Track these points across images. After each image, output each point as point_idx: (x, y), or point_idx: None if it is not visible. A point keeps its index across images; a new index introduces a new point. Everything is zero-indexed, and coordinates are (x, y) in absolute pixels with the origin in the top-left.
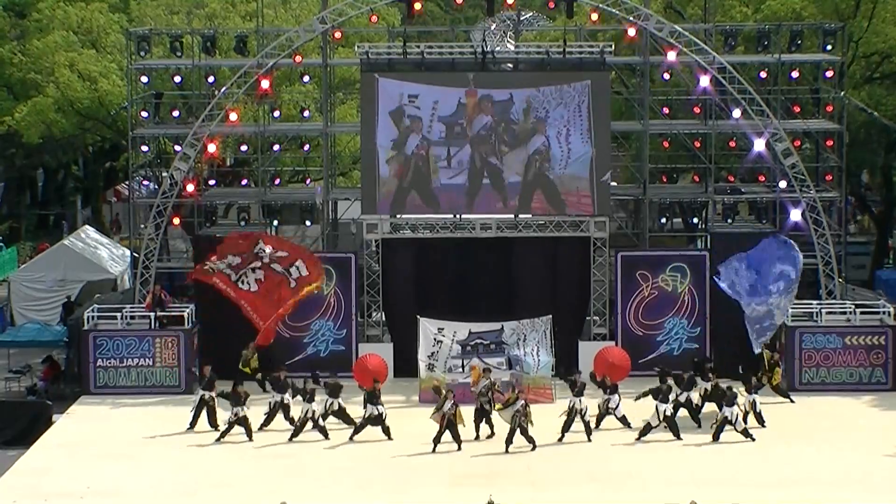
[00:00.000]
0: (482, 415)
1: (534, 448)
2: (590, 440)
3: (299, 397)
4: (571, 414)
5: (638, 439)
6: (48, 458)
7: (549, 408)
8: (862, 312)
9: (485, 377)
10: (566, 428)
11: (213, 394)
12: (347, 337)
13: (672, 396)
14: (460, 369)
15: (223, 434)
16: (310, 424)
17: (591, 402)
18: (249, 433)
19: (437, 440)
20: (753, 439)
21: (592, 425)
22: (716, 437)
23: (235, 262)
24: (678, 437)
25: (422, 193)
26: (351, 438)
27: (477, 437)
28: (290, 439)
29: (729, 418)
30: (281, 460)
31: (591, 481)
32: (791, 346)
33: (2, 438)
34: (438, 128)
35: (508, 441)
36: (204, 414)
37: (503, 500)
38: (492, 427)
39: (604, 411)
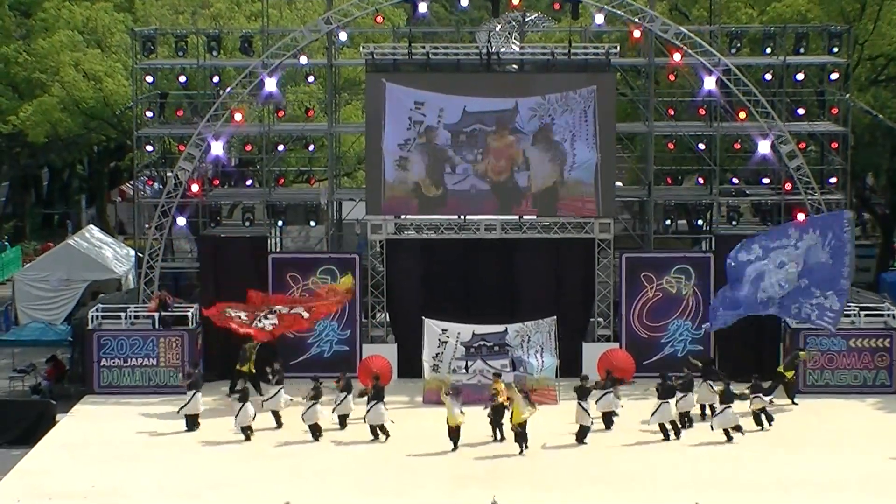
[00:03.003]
0: (498, 418)
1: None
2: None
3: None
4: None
5: (677, 438)
6: (52, 458)
7: (553, 409)
8: (866, 315)
9: (496, 383)
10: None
11: (198, 394)
12: (351, 337)
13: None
14: (464, 371)
15: (247, 434)
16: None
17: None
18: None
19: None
20: (730, 440)
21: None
22: (728, 438)
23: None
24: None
25: (426, 198)
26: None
27: (499, 438)
28: (316, 438)
29: (716, 410)
30: (284, 461)
31: (593, 483)
32: (795, 348)
33: (6, 437)
34: (444, 135)
35: (521, 441)
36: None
37: (506, 502)
38: (502, 432)
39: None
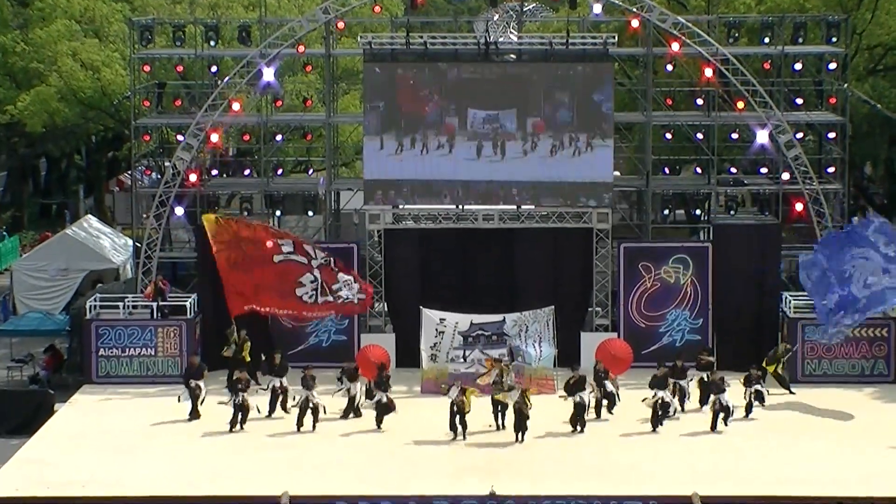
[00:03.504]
0: (498, 405)
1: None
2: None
3: (299, 385)
4: (578, 409)
5: (653, 430)
6: (50, 448)
7: (551, 398)
8: None
9: (495, 367)
10: (574, 422)
11: (201, 383)
12: (349, 327)
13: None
14: (462, 360)
15: (233, 423)
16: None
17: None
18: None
19: (452, 427)
20: (747, 416)
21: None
22: (713, 427)
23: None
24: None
25: (424, 188)
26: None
27: (499, 427)
28: (298, 430)
29: (724, 404)
30: (282, 451)
31: (592, 474)
32: (793, 338)
33: (4, 427)
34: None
35: (519, 429)
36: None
37: (504, 492)
38: (504, 420)
39: (600, 397)
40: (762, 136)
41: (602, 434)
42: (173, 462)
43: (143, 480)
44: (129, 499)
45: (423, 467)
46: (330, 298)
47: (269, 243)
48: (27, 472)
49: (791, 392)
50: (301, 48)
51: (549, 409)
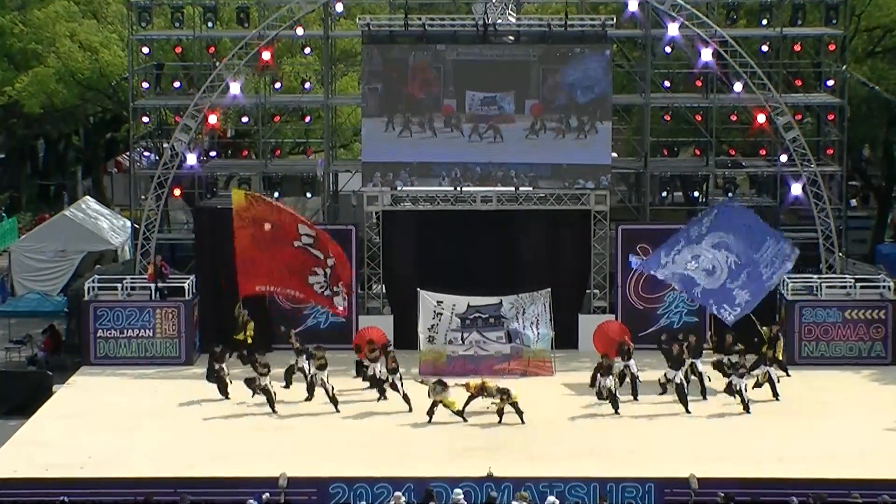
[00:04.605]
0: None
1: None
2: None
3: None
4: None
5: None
6: (48, 429)
7: (549, 381)
8: (862, 286)
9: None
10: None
11: (224, 366)
12: (347, 309)
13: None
14: (460, 342)
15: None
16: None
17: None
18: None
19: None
20: (749, 412)
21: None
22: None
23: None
24: (686, 410)
25: (422, 170)
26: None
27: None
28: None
29: (735, 387)
30: (281, 433)
31: (589, 456)
32: (790, 320)
33: (2, 408)
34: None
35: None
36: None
37: (502, 474)
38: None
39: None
40: (760, 118)
41: (601, 416)
42: (171, 443)
43: (141, 461)
44: (127, 480)
45: (420, 449)
46: (328, 293)
47: (296, 228)
48: (25, 453)
49: (787, 374)
50: (299, 30)
51: (547, 391)
